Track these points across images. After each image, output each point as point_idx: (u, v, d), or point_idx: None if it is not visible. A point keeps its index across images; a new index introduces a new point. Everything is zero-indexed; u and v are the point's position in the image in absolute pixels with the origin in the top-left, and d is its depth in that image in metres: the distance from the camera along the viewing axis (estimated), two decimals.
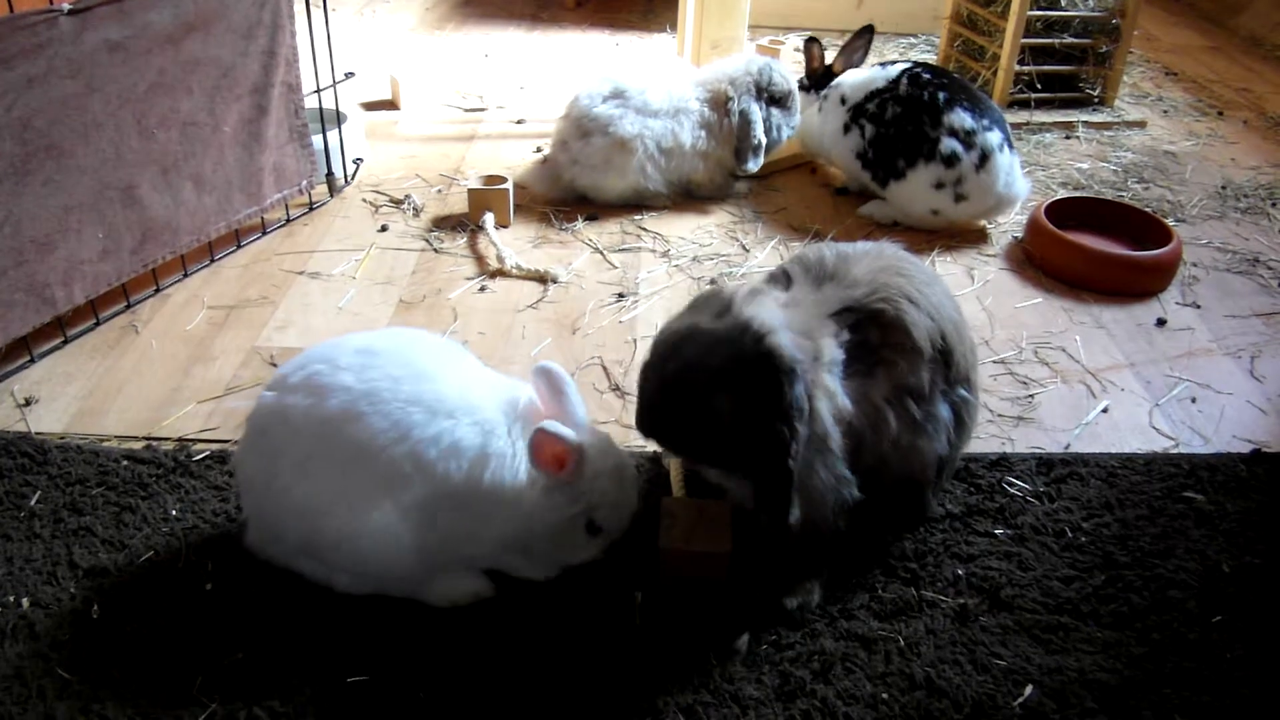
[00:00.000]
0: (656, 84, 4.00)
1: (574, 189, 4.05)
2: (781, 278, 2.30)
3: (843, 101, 4.04)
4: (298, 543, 2.12)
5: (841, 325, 2.14)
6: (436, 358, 2.18)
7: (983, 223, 4.00)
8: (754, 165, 4.09)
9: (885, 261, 2.28)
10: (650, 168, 3.97)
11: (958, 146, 3.72)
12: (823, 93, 4.17)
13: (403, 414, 2.04)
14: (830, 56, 4.25)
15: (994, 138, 3.73)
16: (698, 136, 4.02)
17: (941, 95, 3.77)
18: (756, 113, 4.05)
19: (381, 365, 2.09)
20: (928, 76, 3.84)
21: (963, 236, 3.91)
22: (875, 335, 2.15)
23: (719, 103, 4.05)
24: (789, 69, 4.25)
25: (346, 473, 2.03)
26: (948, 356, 2.24)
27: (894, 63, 4.02)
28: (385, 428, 2.02)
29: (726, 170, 4.16)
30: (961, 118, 3.73)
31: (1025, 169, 4.41)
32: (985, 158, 3.72)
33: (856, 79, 4.05)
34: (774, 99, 4.13)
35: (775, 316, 2.03)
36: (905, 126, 3.81)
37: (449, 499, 2.07)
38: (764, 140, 4.08)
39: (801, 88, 4.31)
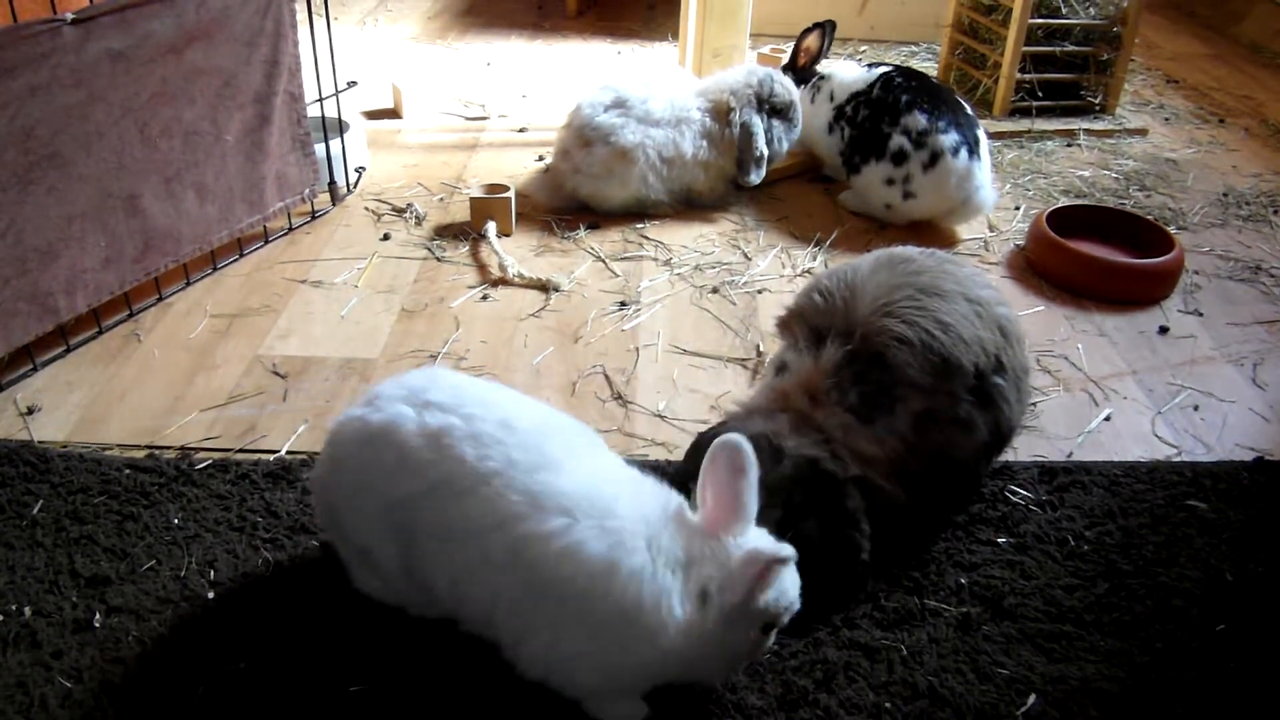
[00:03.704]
0: (658, 93, 4.01)
1: (576, 198, 4.06)
2: (786, 330, 2.52)
3: (831, 98, 4.22)
4: (355, 545, 2.11)
5: (847, 382, 2.29)
6: (570, 447, 1.97)
7: (956, 226, 4.05)
8: (756, 177, 4.10)
9: (884, 295, 2.36)
10: (652, 177, 3.97)
11: (906, 144, 3.85)
12: (813, 83, 4.35)
13: (504, 501, 1.86)
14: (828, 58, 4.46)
15: (948, 140, 3.81)
16: (699, 146, 4.02)
17: (905, 98, 3.91)
18: (758, 124, 4.06)
19: (508, 446, 1.91)
20: (900, 80, 4.00)
21: (964, 245, 3.92)
22: (885, 376, 2.28)
23: (720, 113, 4.05)
24: (790, 80, 4.25)
25: (440, 543, 1.94)
26: (959, 370, 2.30)
27: (879, 65, 4.18)
28: (482, 513, 1.88)
29: (728, 180, 4.16)
30: (917, 119, 3.86)
31: (1026, 176, 4.46)
32: (935, 158, 3.81)
33: (846, 78, 4.21)
34: (775, 110, 4.14)
35: (810, 446, 2.19)
36: (867, 126, 4.00)
37: (553, 609, 1.85)
38: (766, 152, 4.09)
39: None
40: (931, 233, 3.98)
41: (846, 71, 4.26)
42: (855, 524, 2.17)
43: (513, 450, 1.90)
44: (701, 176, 4.07)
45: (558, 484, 1.87)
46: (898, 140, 3.87)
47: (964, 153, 3.81)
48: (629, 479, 1.98)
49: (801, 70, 4.42)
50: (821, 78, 4.34)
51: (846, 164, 4.13)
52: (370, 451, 2.00)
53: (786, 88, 4.17)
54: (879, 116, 3.96)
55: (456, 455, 1.91)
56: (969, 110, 3.98)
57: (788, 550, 1.80)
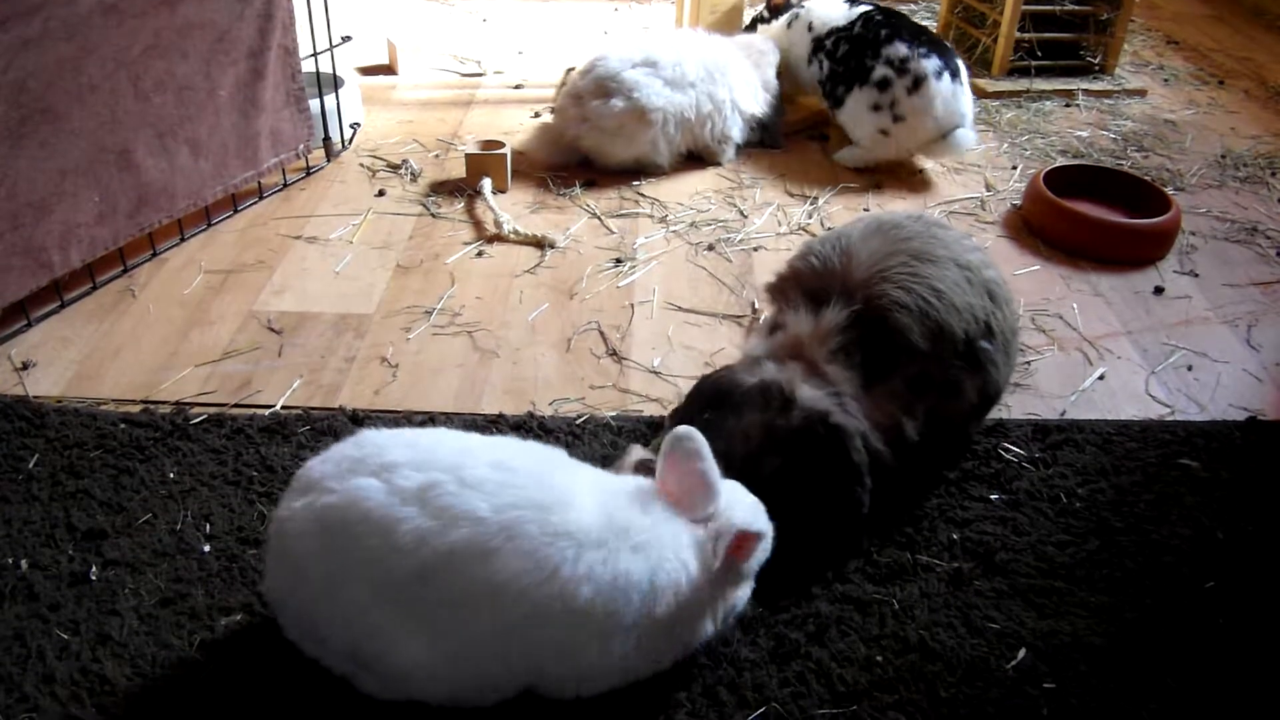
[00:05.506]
0: (690, 55, 4.00)
1: (576, 149, 4.03)
2: (779, 295, 2.49)
3: (810, 28, 4.32)
4: (344, 650, 1.85)
5: (851, 344, 2.29)
6: (564, 471, 1.90)
7: (929, 163, 4.17)
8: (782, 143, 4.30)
9: (879, 262, 2.36)
10: (663, 143, 3.97)
11: (889, 72, 3.95)
12: (791, 12, 4.46)
13: (550, 550, 1.73)
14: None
15: (930, 64, 3.91)
16: (739, 95, 4.09)
17: (885, 31, 4.02)
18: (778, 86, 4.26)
19: (521, 488, 1.78)
20: (880, 17, 4.11)
21: (960, 204, 3.91)
22: (887, 340, 2.29)
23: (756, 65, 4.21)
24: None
25: (460, 617, 1.75)
26: (951, 337, 2.31)
27: (859, 2, 4.26)
28: (528, 567, 1.72)
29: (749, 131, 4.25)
30: (898, 48, 3.97)
31: (1024, 136, 4.45)
32: (919, 81, 3.91)
33: (826, 12, 4.30)
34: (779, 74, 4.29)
35: (824, 399, 2.19)
36: (850, 61, 4.08)
37: (601, 637, 1.79)
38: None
39: (761, 20, 4.64)
40: (925, 192, 3.98)
41: (827, 7, 4.33)
42: (860, 479, 2.17)
43: (532, 492, 1.78)
44: (740, 123, 4.12)
45: (583, 518, 1.78)
46: (881, 70, 3.96)
47: (947, 77, 3.92)
48: (623, 486, 1.93)
49: (777, 8, 4.55)
50: (800, 7, 4.44)
51: (829, 98, 4.22)
52: (343, 540, 1.76)
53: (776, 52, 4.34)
54: (860, 51, 4.04)
55: (469, 513, 1.73)
56: (947, 45, 4.10)
57: (765, 526, 1.89)
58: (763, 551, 1.93)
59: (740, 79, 4.09)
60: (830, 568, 2.24)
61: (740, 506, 1.94)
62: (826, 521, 2.19)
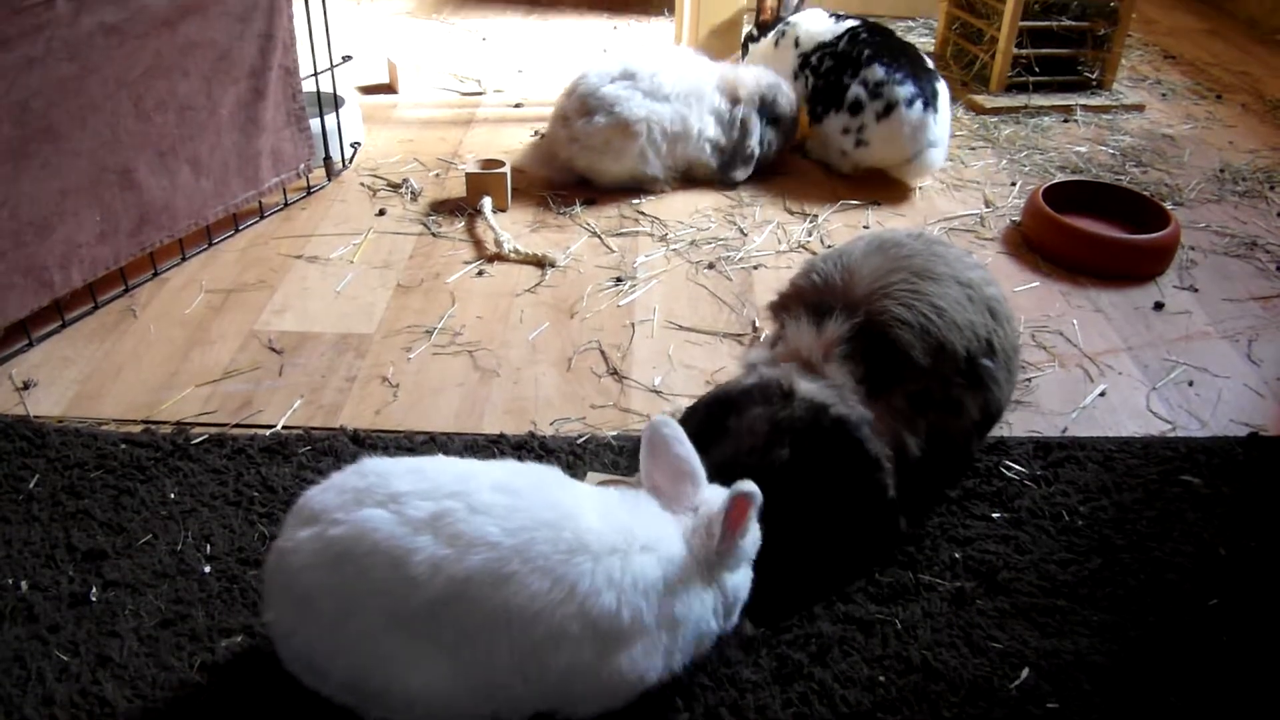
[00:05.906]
0: (669, 69, 3.99)
1: (570, 168, 4.04)
2: (782, 311, 2.48)
3: (796, 44, 4.39)
4: (348, 683, 1.81)
5: (855, 354, 2.28)
6: (565, 488, 1.89)
7: (928, 180, 4.22)
8: (742, 174, 4.17)
9: (880, 279, 2.36)
10: (651, 154, 3.96)
11: (863, 94, 4.01)
12: (779, 29, 4.51)
13: (568, 568, 1.73)
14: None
15: (904, 91, 3.96)
16: (709, 124, 4.05)
17: (867, 52, 4.07)
18: (756, 125, 4.12)
19: (529, 510, 1.77)
20: (865, 35, 4.17)
21: (959, 220, 3.91)
22: (886, 355, 2.29)
23: (731, 100, 4.12)
24: (792, 92, 4.30)
25: (478, 644, 1.73)
26: (953, 354, 2.31)
27: (846, 18, 4.33)
28: (546, 587, 1.72)
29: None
30: (875, 71, 4.01)
31: (1023, 152, 4.46)
32: (890, 108, 3.97)
33: (813, 28, 4.37)
34: (774, 119, 4.19)
35: (822, 391, 2.19)
36: (830, 78, 4.15)
37: (626, 643, 1.78)
38: (756, 152, 4.16)
39: (751, 39, 4.69)
40: (924, 209, 3.99)
41: (814, 23, 4.38)
42: (879, 466, 2.16)
43: (539, 511, 1.77)
44: (707, 150, 4.07)
45: (592, 527, 1.78)
46: (855, 90, 4.03)
47: (919, 105, 3.95)
48: (614, 493, 1.93)
49: (765, 25, 4.61)
50: (787, 24, 4.48)
51: (811, 113, 4.30)
52: (351, 571, 1.73)
53: (790, 101, 4.24)
54: (842, 69, 4.11)
55: (481, 538, 1.72)
56: (930, 65, 4.11)
57: (752, 487, 1.83)
58: (755, 532, 1.91)
59: (708, 104, 4.05)
60: (871, 564, 2.25)
61: (720, 490, 1.93)
62: (853, 514, 2.17)
